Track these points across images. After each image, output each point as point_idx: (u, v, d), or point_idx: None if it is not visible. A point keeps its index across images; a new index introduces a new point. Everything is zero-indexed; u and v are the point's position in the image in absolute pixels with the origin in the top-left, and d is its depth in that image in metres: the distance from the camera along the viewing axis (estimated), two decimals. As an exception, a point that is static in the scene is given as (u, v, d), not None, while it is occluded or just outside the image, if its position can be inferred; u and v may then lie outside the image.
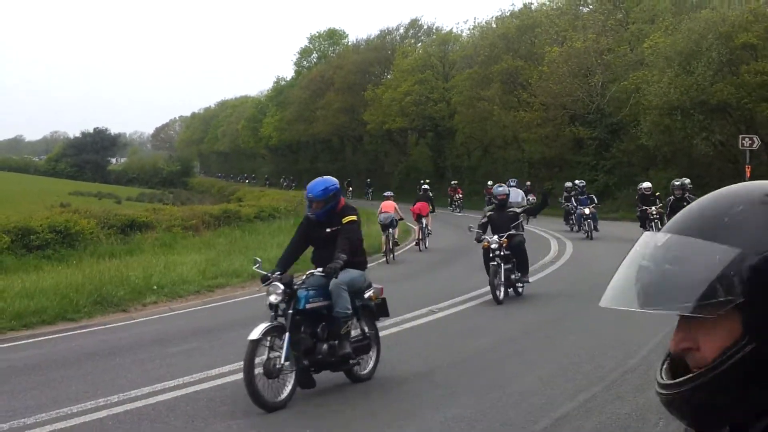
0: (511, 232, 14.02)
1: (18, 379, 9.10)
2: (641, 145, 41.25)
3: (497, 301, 13.45)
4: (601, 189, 41.57)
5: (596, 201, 28.88)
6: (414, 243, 25.93)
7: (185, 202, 42.86)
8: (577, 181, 30.53)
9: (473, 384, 8.18)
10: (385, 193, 26.21)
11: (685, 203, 14.70)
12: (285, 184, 74.15)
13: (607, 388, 7.76)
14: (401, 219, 23.63)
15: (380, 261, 21.86)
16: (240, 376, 8.54)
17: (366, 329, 8.64)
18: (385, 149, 73.06)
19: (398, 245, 23.85)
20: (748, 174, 29.47)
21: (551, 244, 24.59)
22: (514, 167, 53.67)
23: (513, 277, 14.04)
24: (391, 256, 22.34)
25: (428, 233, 25.72)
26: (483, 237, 14.18)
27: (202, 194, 66.49)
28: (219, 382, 8.60)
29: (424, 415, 7.17)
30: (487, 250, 13.88)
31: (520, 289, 14.41)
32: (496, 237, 13.91)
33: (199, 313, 14.39)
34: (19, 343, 11.48)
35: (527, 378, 8.35)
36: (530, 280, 14.91)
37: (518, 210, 15.00)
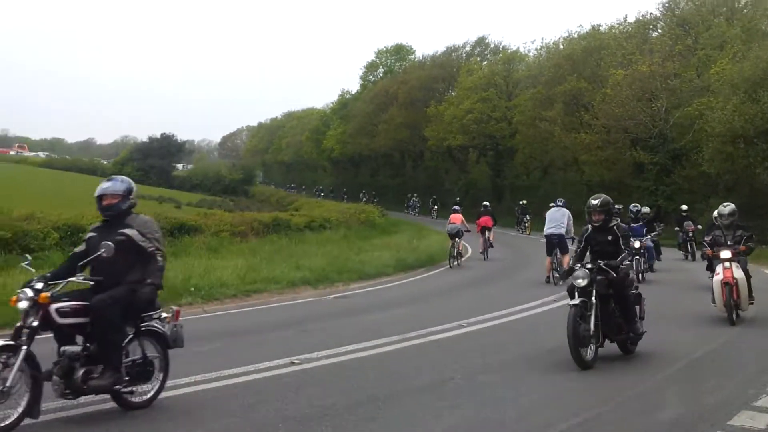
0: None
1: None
2: (703, 173, 40.50)
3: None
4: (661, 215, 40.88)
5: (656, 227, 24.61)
6: (479, 251, 28.14)
7: (244, 210, 43.23)
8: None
9: (481, 396, 8.09)
10: (454, 207, 28.86)
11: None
12: (365, 199, 70.30)
13: (613, 410, 7.63)
14: (468, 231, 26.51)
15: (445, 267, 24.74)
16: (251, 377, 8.69)
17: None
18: (446, 166, 72.92)
19: (461, 255, 26.47)
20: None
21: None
22: (572, 189, 53.07)
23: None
24: (456, 262, 25.32)
25: (490, 245, 28.04)
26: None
27: (261, 203, 67.07)
28: (230, 382, 8.68)
29: (425, 425, 7.12)
30: None
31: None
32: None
33: (232, 317, 14.53)
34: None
35: (534, 395, 8.25)
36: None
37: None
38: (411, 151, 76.94)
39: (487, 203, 32.15)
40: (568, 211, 21.35)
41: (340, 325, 13.21)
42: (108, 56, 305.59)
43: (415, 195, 65.12)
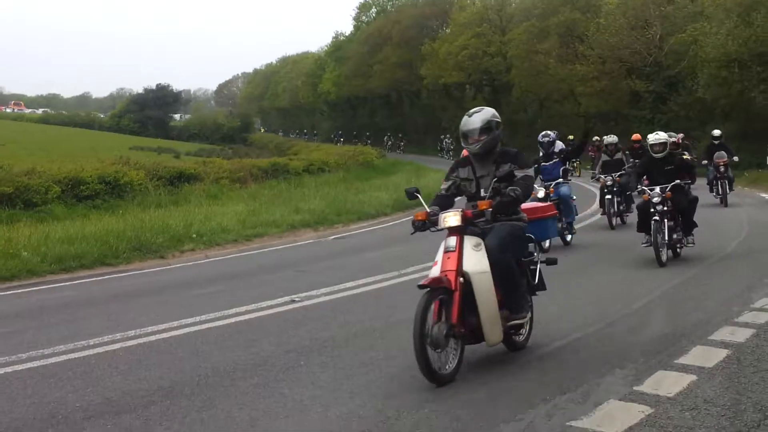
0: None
1: (47, 316, 9.66)
2: (699, 99, 40.49)
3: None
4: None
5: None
6: None
7: (243, 158, 43.37)
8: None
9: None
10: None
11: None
12: (390, 143, 67.98)
13: (600, 329, 7.98)
14: None
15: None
16: (253, 315, 9.02)
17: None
18: (443, 104, 72.65)
19: None
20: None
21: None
22: (569, 121, 53.05)
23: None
24: None
25: None
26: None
27: (261, 150, 67.02)
28: (233, 320, 9.00)
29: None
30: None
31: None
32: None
33: (233, 261, 14.88)
34: (57, 285, 12.10)
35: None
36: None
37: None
38: (407, 91, 76.62)
39: None
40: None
41: (339, 264, 13.53)
42: (99, 7, 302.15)
43: (448, 136, 60.26)
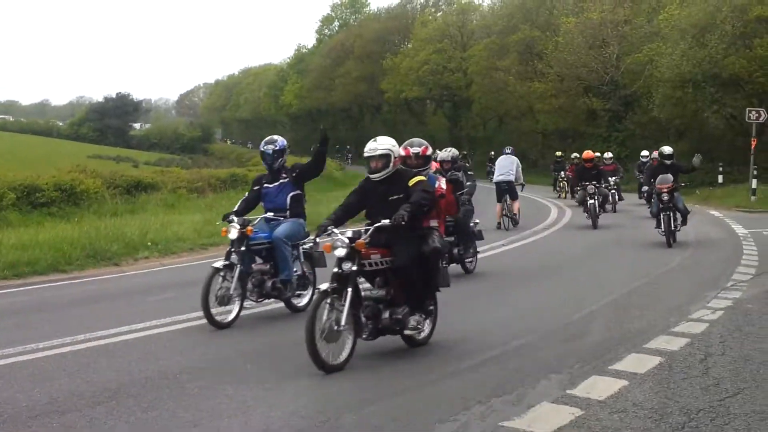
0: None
1: (-3, 320, 9.66)
2: (654, 118, 41.26)
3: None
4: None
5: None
6: None
7: (202, 168, 43.30)
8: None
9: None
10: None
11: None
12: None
13: (541, 337, 8.22)
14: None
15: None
16: (205, 320, 9.14)
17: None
18: (404, 118, 73.18)
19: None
20: (753, 147, 29.47)
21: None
22: (528, 138, 53.78)
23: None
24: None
25: None
26: None
27: (220, 160, 66.87)
28: (184, 325, 9.11)
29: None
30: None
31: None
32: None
33: (188, 269, 14.86)
34: (9, 291, 12.05)
35: (470, 325, 8.81)
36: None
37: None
38: (369, 105, 77.05)
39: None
40: (516, 158, 21.99)
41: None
42: (60, 13, 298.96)
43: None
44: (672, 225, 16.46)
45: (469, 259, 13.00)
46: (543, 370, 6.79)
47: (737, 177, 35.01)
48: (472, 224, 13.24)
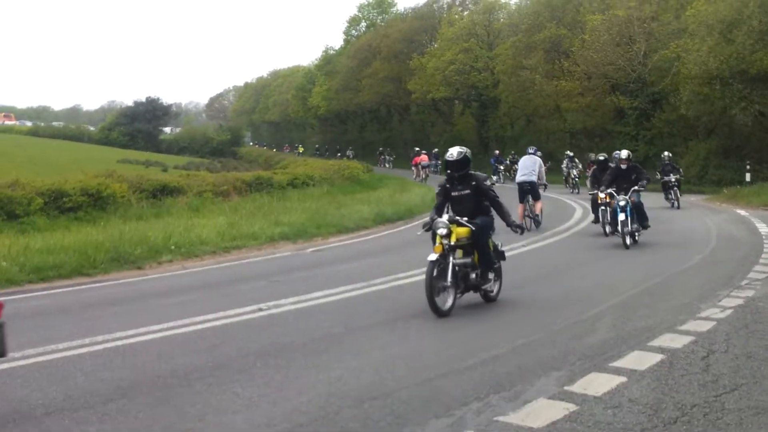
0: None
1: (20, 322, 9.87)
2: (682, 116, 40.99)
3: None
4: (641, 159, 41.34)
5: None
6: None
7: (231, 171, 43.71)
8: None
9: (429, 330, 8.80)
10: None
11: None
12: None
13: (547, 335, 8.33)
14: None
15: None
16: (219, 322, 9.36)
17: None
18: (431, 119, 73.22)
19: None
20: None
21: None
22: (556, 137, 53.63)
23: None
24: None
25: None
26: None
27: (250, 163, 67.34)
28: (199, 327, 9.31)
29: (370, 354, 7.78)
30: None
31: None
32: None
33: (210, 272, 15.12)
34: (34, 294, 12.36)
35: (478, 325, 8.95)
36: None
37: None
38: (396, 105, 77.10)
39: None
40: (539, 159, 21.96)
41: (311, 275, 13.79)
42: (91, 20, 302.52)
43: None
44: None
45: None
46: (544, 368, 6.92)
47: (766, 175, 34.78)
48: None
